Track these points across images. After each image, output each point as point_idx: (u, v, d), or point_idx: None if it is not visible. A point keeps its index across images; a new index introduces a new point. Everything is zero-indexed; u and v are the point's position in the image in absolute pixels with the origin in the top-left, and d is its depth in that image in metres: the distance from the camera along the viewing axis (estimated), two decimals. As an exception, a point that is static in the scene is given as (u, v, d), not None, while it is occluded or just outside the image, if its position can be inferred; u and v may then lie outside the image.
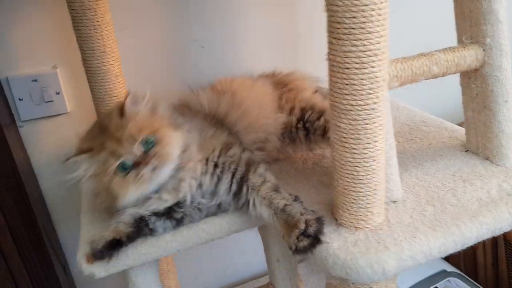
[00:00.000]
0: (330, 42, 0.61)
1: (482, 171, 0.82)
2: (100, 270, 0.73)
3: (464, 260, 1.56)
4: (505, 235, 1.40)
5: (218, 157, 0.79)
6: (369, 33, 0.57)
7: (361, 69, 0.59)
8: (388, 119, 0.70)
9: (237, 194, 0.78)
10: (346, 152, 0.66)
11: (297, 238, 0.68)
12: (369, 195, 0.68)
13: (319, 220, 0.69)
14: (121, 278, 0.81)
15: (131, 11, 1.13)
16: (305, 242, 0.68)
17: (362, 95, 0.61)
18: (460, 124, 0.98)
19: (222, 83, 0.99)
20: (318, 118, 0.89)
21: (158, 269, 0.87)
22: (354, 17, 0.57)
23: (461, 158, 0.87)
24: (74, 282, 1.30)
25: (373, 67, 0.59)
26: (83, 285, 1.32)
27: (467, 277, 1.48)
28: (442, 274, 1.48)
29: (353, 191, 0.68)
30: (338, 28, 0.58)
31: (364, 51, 0.58)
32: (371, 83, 0.60)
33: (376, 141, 0.64)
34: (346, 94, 0.61)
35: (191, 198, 0.77)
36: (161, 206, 0.76)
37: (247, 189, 0.77)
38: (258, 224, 0.88)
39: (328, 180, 0.79)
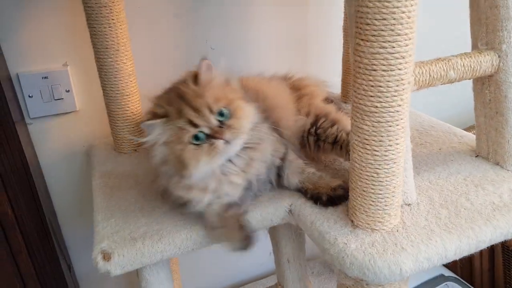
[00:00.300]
0: (357, 44, 0.61)
1: (493, 176, 0.84)
2: (116, 268, 0.73)
3: (461, 265, 1.57)
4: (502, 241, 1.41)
5: None
6: (398, 35, 0.57)
7: (388, 71, 0.59)
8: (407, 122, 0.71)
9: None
10: (368, 154, 0.66)
11: (333, 188, 0.78)
12: (387, 197, 0.69)
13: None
14: (121, 278, 0.81)
15: (145, 11, 1.13)
16: (341, 191, 0.78)
17: (387, 97, 0.61)
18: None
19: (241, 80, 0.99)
20: (331, 126, 0.89)
21: (169, 268, 0.86)
22: (384, 19, 0.57)
23: (472, 163, 0.89)
24: (77, 280, 1.30)
25: (400, 69, 0.59)
26: (86, 284, 1.32)
27: (464, 281, 1.49)
28: (440, 279, 1.49)
29: (372, 193, 0.69)
30: (367, 30, 0.58)
31: (392, 53, 0.58)
32: (397, 85, 0.61)
33: (397, 143, 0.65)
34: (371, 96, 0.62)
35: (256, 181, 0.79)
36: (235, 190, 0.77)
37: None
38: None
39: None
